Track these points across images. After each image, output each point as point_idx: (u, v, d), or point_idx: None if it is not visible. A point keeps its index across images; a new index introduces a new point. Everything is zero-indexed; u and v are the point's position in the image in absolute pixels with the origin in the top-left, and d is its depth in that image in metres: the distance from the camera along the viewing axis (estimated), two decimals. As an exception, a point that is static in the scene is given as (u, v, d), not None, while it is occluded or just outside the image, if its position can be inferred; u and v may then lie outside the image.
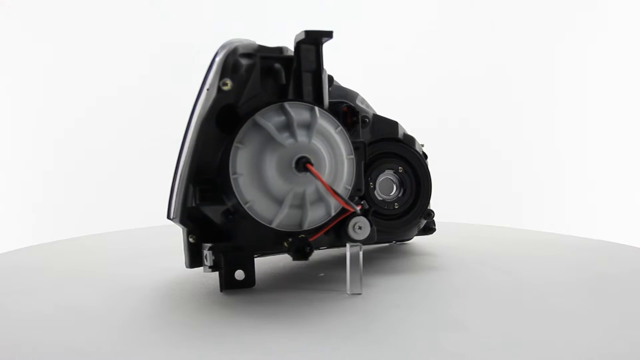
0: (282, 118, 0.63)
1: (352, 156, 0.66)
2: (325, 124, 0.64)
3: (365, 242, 0.70)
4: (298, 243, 0.64)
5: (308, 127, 0.63)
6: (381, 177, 0.79)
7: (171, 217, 0.68)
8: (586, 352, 0.50)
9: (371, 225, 0.68)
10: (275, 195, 0.63)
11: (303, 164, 0.61)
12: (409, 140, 0.80)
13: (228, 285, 0.69)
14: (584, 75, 1.87)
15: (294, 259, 0.66)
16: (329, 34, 0.63)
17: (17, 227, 1.89)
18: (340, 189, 0.65)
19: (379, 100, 0.86)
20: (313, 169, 0.60)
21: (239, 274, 0.69)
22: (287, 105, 0.63)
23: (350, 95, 0.75)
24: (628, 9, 1.85)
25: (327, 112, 0.65)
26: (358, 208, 0.64)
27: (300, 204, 0.64)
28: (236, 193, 0.63)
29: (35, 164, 1.90)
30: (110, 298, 0.67)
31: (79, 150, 1.87)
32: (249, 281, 0.70)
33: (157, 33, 1.81)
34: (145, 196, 1.58)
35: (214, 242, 0.66)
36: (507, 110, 1.86)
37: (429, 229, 0.88)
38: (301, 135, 0.62)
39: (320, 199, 0.64)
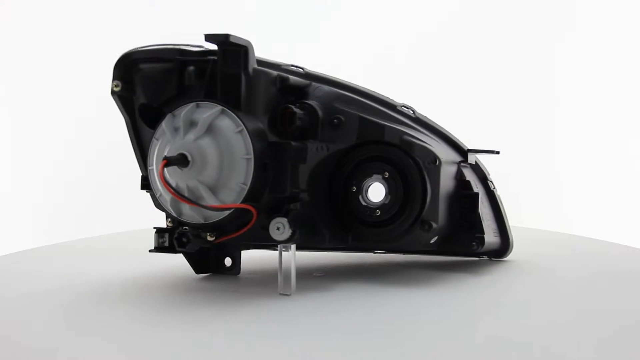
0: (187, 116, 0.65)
1: (250, 156, 0.64)
2: (225, 123, 0.64)
3: (304, 244, 0.69)
4: (177, 233, 0.66)
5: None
6: (369, 182, 0.73)
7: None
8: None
9: (291, 227, 0.65)
10: None
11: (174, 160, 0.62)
12: (406, 145, 0.72)
13: (215, 270, 0.76)
14: (584, 75, 1.86)
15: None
16: (224, 37, 0.63)
17: (16, 228, 1.90)
18: (233, 186, 0.64)
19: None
20: (161, 167, 0.62)
21: (228, 261, 0.76)
22: (191, 104, 0.64)
23: (329, 95, 0.72)
24: (628, 10, 1.84)
25: (232, 113, 0.64)
26: (225, 206, 0.63)
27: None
28: (152, 184, 0.66)
29: (35, 164, 1.92)
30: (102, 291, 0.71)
31: (79, 150, 1.89)
32: (235, 270, 0.76)
33: (157, 33, 1.82)
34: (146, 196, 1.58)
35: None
36: (507, 111, 1.86)
37: (471, 247, 0.77)
38: (189, 133, 0.63)
39: (203, 195, 0.63)
